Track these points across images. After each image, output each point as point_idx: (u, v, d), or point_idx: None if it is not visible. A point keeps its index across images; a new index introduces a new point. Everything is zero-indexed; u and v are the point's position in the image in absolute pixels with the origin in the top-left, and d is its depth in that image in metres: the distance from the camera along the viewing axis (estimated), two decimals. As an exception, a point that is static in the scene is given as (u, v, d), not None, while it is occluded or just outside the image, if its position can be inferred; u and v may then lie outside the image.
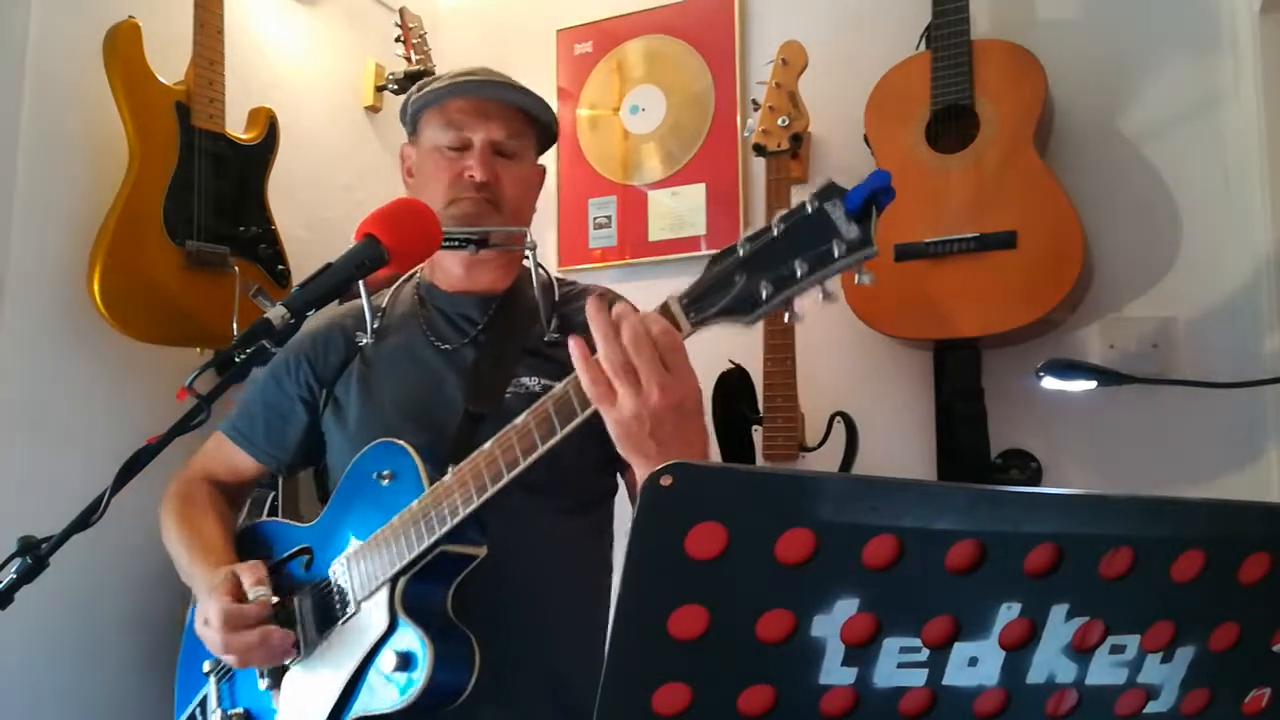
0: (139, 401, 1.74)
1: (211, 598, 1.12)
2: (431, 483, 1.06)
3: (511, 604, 1.15)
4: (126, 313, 1.64)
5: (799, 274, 0.82)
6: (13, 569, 0.89)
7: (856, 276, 0.83)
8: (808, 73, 1.91)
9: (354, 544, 1.12)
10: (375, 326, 1.28)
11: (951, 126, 1.83)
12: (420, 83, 1.34)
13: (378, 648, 1.07)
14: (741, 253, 0.85)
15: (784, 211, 0.85)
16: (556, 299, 1.31)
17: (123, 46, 1.67)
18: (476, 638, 1.07)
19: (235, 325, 1.73)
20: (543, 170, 1.38)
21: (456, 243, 1.21)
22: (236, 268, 1.77)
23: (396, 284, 1.36)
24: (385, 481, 1.11)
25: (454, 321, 1.29)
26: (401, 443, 1.12)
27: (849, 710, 0.51)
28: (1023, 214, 1.74)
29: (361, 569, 1.10)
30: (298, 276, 1.83)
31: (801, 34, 1.96)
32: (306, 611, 1.15)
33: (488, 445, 1.00)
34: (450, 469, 1.05)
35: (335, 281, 1.00)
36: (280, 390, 1.29)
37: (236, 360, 0.95)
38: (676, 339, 0.87)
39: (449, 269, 1.30)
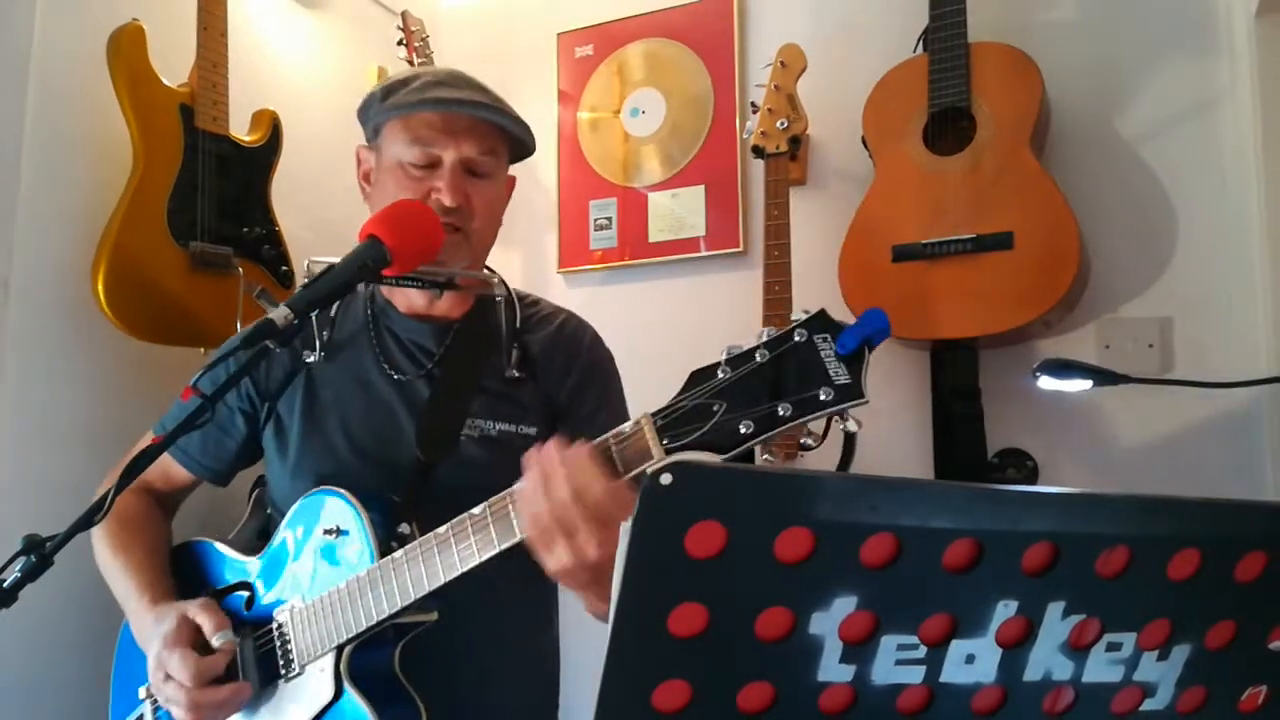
0: (143, 401, 1.74)
1: (173, 651, 1.07)
2: (382, 548, 1.03)
3: (458, 652, 1.13)
4: (130, 313, 1.64)
5: (781, 415, 0.78)
6: (17, 567, 0.90)
7: (842, 423, 0.80)
8: (806, 75, 1.91)
9: (298, 600, 1.10)
10: (324, 340, 1.20)
11: (949, 128, 1.84)
12: (385, 86, 1.22)
13: (321, 715, 1.05)
14: (722, 375, 0.81)
15: (770, 334, 0.81)
16: (518, 324, 1.24)
17: (127, 49, 1.67)
18: (421, 692, 1.06)
19: (239, 326, 1.73)
20: (513, 181, 1.30)
21: (421, 284, 1.15)
22: (240, 269, 1.77)
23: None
24: (332, 538, 1.08)
25: (408, 349, 1.23)
26: (349, 498, 1.08)
27: (847, 707, 0.51)
28: (1019, 215, 1.75)
29: (306, 630, 1.07)
30: (301, 277, 1.84)
31: (800, 37, 1.97)
32: (249, 658, 1.11)
33: (443, 529, 0.97)
34: (402, 529, 1.03)
35: (338, 283, 1.00)
36: (221, 402, 1.24)
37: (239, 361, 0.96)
38: (618, 494, 0.82)
39: (406, 292, 1.23)
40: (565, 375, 1.24)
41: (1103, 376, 1.53)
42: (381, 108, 1.20)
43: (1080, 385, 1.58)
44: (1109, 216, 1.88)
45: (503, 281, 1.24)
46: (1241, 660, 0.58)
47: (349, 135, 2.52)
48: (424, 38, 2.19)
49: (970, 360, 1.86)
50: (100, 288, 1.61)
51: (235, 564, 1.20)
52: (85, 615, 1.57)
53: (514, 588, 1.17)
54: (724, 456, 0.82)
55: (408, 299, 1.25)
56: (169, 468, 1.29)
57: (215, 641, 1.08)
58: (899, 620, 0.51)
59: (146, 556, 1.22)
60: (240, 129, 1.86)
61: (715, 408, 0.81)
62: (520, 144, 1.25)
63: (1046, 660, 0.54)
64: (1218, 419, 1.76)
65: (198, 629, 1.10)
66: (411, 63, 2.17)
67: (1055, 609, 0.53)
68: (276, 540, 1.16)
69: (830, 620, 0.49)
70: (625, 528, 0.47)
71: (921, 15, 1.90)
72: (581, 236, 2.37)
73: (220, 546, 1.24)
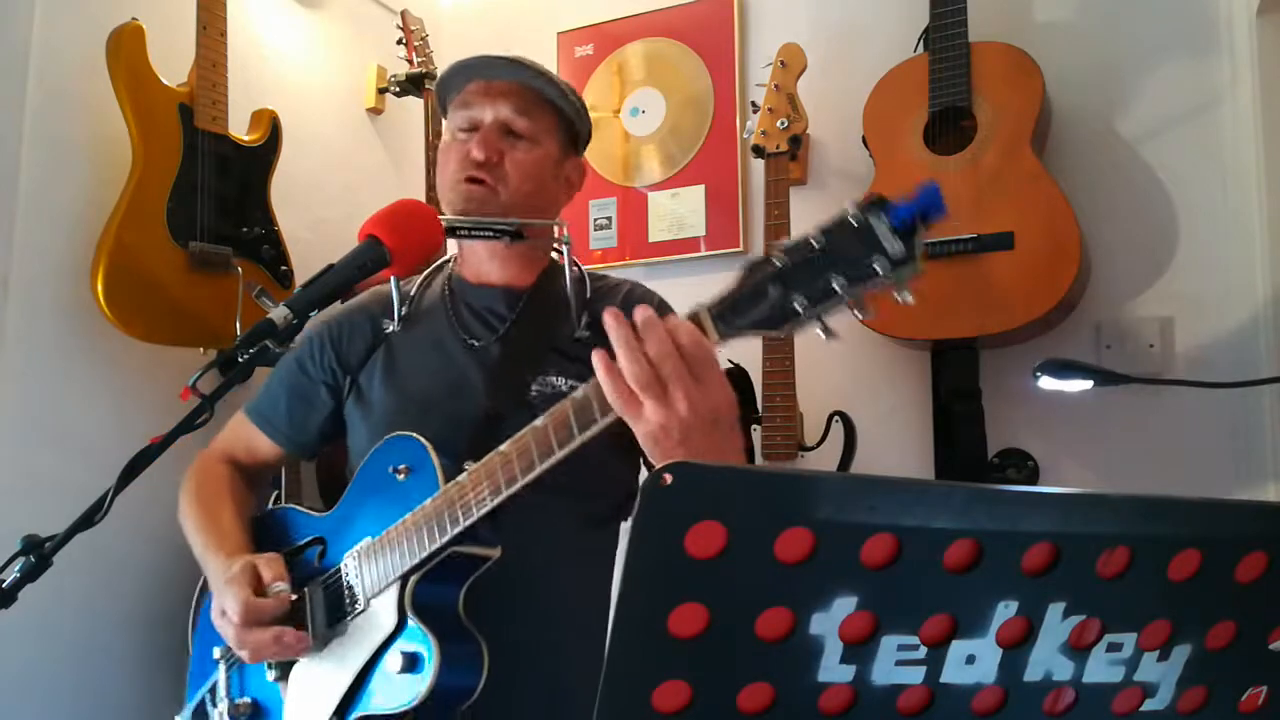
0: (142, 401, 1.74)
1: (229, 590, 1.10)
2: (447, 479, 1.04)
3: (524, 610, 1.13)
4: (130, 313, 1.65)
5: (837, 288, 0.79)
6: (16, 568, 0.90)
7: (897, 295, 0.79)
8: (806, 75, 1.91)
9: (366, 540, 1.11)
10: (403, 314, 1.25)
11: (949, 128, 1.84)
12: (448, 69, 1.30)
13: (385, 647, 1.06)
14: (778, 264, 0.82)
15: (825, 222, 0.81)
16: (588, 295, 1.27)
17: (126, 48, 1.67)
18: (486, 641, 1.06)
19: (238, 325, 1.73)
20: (577, 163, 1.31)
21: (490, 234, 1.18)
22: (239, 268, 1.77)
23: (427, 273, 1.33)
24: (401, 476, 1.10)
25: (481, 316, 1.26)
26: (417, 437, 1.10)
27: (847, 708, 0.51)
28: (1020, 215, 1.75)
29: (372, 565, 1.09)
30: (300, 277, 1.83)
31: (800, 36, 1.97)
32: (318, 604, 1.14)
33: (504, 446, 0.98)
34: (466, 465, 1.03)
35: (337, 282, 1.00)
36: (304, 374, 1.27)
37: (240, 360, 0.96)
38: (707, 349, 0.84)
39: (475, 261, 1.27)
40: None
41: (1103, 377, 1.53)
42: (440, 89, 1.27)
43: (1081, 385, 1.58)
44: (1110, 216, 1.88)
45: (569, 241, 1.26)
46: (1242, 660, 0.58)
47: (348, 135, 2.52)
48: (424, 37, 2.19)
49: (971, 360, 1.86)
50: (99, 287, 1.61)
51: (309, 521, 1.23)
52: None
53: (574, 534, 1.18)
54: (779, 332, 0.83)
55: (476, 270, 1.28)
56: (253, 441, 1.31)
57: (270, 590, 1.11)
58: (899, 621, 0.50)
59: (226, 514, 1.25)
60: (239, 129, 1.86)
61: (772, 291, 0.82)
62: (569, 119, 1.28)
63: (1047, 661, 0.54)
64: (1218, 419, 1.76)
65: (259, 577, 1.12)
66: (411, 62, 2.17)
67: (1056, 609, 0.53)
68: (348, 494, 1.18)
69: (830, 620, 0.49)
70: (625, 527, 0.47)
71: (922, 15, 1.90)
72: (581, 236, 2.37)
73: (297, 508, 1.26)
